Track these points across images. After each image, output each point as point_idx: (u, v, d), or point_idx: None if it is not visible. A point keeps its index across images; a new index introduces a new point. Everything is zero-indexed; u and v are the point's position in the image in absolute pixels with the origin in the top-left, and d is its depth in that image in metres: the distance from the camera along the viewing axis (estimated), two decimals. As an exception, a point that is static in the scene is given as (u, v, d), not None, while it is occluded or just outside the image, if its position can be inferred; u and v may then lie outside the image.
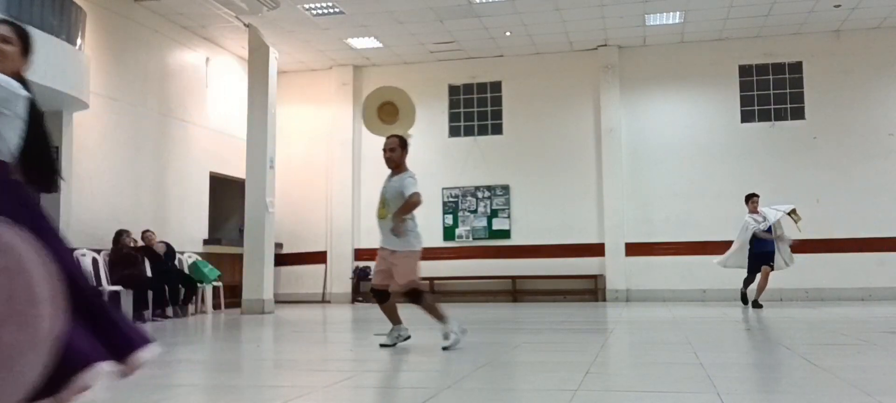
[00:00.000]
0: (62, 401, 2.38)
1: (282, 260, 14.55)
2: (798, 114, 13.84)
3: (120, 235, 10.52)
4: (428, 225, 14.85)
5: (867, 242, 13.20)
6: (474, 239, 14.76)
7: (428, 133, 15.16)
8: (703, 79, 14.19)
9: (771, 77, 13.98)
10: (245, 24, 12.33)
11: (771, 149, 13.75)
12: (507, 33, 13.53)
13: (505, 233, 14.66)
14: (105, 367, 2.52)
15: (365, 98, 7.16)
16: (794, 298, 12.88)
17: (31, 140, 2.76)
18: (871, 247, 13.17)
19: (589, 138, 14.49)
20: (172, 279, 10.97)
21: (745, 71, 14.04)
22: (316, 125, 15.43)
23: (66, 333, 2.32)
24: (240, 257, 12.45)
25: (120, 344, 2.65)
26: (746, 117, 14.01)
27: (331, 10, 12.30)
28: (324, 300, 15.15)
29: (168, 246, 11.36)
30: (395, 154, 6.35)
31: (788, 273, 11.30)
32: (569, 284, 14.23)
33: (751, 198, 11.32)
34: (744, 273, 11.23)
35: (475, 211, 14.82)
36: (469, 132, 15.04)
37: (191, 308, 11.47)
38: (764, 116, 13.96)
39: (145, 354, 2.76)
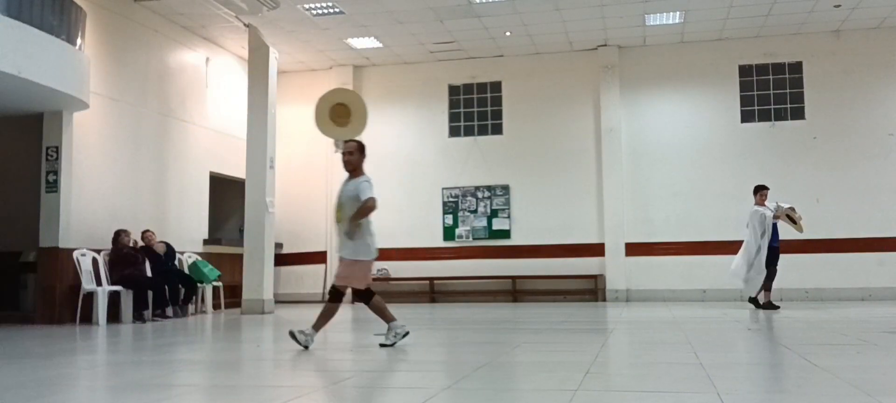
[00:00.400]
0: None
1: (282, 260, 14.55)
2: (798, 114, 13.84)
3: (119, 235, 10.52)
4: (428, 225, 15.05)
5: (867, 242, 13.20)
6: (474, 239, 14.76)
7: (428, 133, 15.19)
8: (703, 79, 14.19)
9: (771, 77, 13.97)
10: (245, 24, 12.33)
11: (771, 149, 13.75)
12: (507, 33, 13.53)
13: (505, 233, 14.66)
14: None
15: (318, 100, 7.05)
16: (794, 298, 12.87)
17: None
18: (871, 247, 13.17)
19: (589, 138, 14.49)
20: (172, 279, 10.97)
21: (745, 71, 14.04)
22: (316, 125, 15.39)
23: None
24: (240, 257, 12.45)
25: None
26: (746, 117, 14.01)
27: (331, 10, 12.30)
28: (324, 300, 15.12)
29: (168, 246, 11.36)
30: (353, 158, 6.39)
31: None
32: (569, 284, 14.23)
33: (761, 190, 11.10)
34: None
35: (475, 211, 14.82)
36: (469, 132, 15.04)
37: (191, 308, 11.48)
38: (764, 116, 13.96)
39: None
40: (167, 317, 10.65)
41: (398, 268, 14.87)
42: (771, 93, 13.95)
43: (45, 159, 10.15)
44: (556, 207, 14.43)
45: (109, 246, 10.58)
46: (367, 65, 15.28)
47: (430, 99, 15.15)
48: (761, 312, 10.40)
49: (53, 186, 10.10)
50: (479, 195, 14.81)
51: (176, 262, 11.55)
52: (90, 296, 10.04)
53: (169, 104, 12.50)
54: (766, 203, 11.03)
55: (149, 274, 10.76)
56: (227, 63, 14.25)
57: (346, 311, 12.62)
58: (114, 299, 10.24)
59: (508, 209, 14.69)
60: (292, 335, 6.21)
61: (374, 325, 9.40)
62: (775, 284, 10.95)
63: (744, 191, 13.48)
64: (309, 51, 14.31)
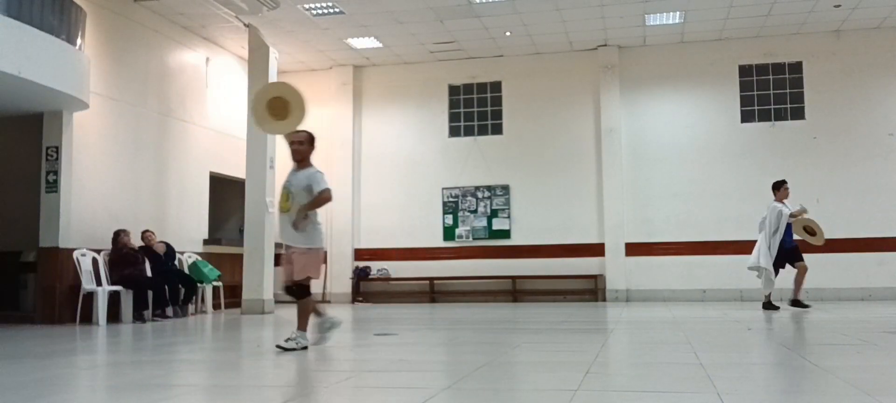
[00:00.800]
0: None
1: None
2: (798, 114, 13.84)
3: (118, 235, 10.52)
4: (428, 225, 15.05)
5: (867, 242, 13.20)
6: (474, 239, 14.76)
7: (428, 133, 15.19)
8: (703, 79, 14.19)
9: (771, 77, 13.98)
10: (245, 24, 12.33)
11: (771, 149, 13.75)
12: (507, 33, 13.53)
13: (505, 233, 14.66)
14: None
15: (253, 100, 6.89)
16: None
17: None
18: (871, 247, 13.17)
19: (589, 138, 14.49)
20: (172, 279, 10.97)
21: (745, 71, 14.04)
22: (316, 125, 15.17)
23: None
24: (240, 257, 12.45)
25: None
26: (746, 117, 14.01)
27: (331, 10, 12.30)
28: (324, 300, 15.13)
29: (168, 246, 11.36)
30: (303, 147, 6.36)
31: (789, 273, 11.24)
32: (569, 284, 14.22)
33: (782, 185, 10.79)
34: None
35: (475, 211, 14.82)
36: (469, 132, 15.04)
37: (191, 308, 11.48)
38: (764, 116, 13.96)
39: None
40: (167, 317, 10.65)
41: (398, 268, 14.88)
42: (771, 93, 13.95)
43: (45, 159, 10.15)
44: (556, 207, 14.43)
45: (109, 246, 10.58)
46: (367, 65, 15.29)
47: (430, 99, 15.15)
48: (772, 312, 10.20)
49: (53, 186, 10.10)
50: (479, 195, 14.81)
51: (176, 262, 11.55)
52: (90, 296, 10.04)
53: (169, 104, 12.49)
54: (786, 201, 10.75)
55: (149, 274, 10.76)
56: (227, 63, 14.25)
57: (346, 311, 12.61)
58: (114, 299, 10.24)
59: (508, 209, 14.69)
60: (283, 349, 6.04)
61: (375, 325, 9.40)
62: (776, 284, 10.92)
63: (744, 190, 13.53)
64: (309, 51, 14.31)
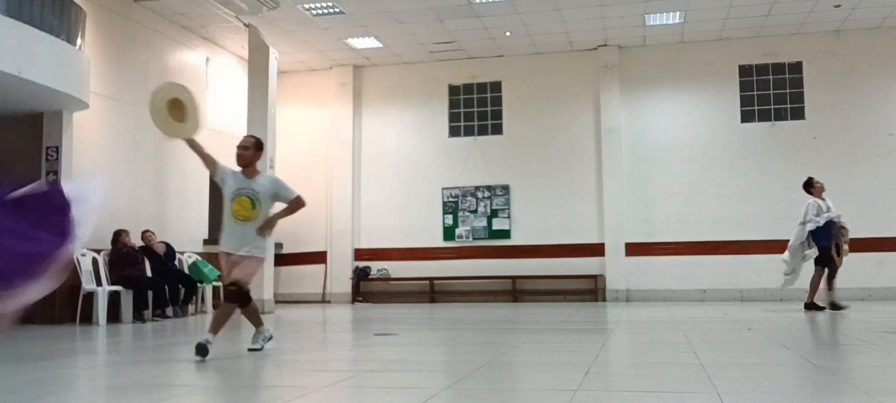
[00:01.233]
0: None
1: (282, 260, 14.53)
2: (798, 114, 13.84)
3: (118, 235, 10.52)
4: (428, 225, 15.05)
5: (867, 242, 13.17)
6: (474, 239, 14.76)
7: (428, 133, 15.18)
8: (703, 79, 14.19)
9: (771, 77, 13.97)
10: (245, 24, 12.33)
11: (771, 149, 13.75)
12: (507, 33, 13.53)
13: (505, 233, 14.65)
14: None
15: (152, 97, 6.69)
16: (794, 298, 12.85)
17: None
18: (871, 247, 13.14)
19: (589, 138, 14.49)
20: (172, 279, 10.97)
21: (745, 71, 14.04)
22: (316, 125, 15.43)
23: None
24: (240, 257, 12.42)
25: None
26: (746, 117, 14.00)
27: (331, 10, 12.30)
28: (324, 300, 15.15)
29: (168, 246, 11.36)
30: (248, 152, 6.39)
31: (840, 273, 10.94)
32: (569, 284, 14.22)
33: (815, 183, 10.62)
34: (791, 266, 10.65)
35: (475, 211, 14.81)
36: (469, 132, 15.04)
37: (191, 308, 11.47)
38: (764, 116, 13.96)
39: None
40: (167, 317, 10.65)
41: (398, 268, 14.88)
42: (771, 93, 13.95)
43: (45, 159, 10.15)
44: (556, 207, 14.43)
45: (109, 246, 10.58)
46: (367, 65, 15.28)
47: (430, 99, 15.15)
48: (818, 313, 10.00)
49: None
50: (479, 195, 14.81)
51: (176, 262, 11.55)
52: (90, 296, 10.03)
53: (169, 104, 12.47)
54: (824, 195, 10.54)
55: (149, 274, 10.76)
56: (227, 63, 14.24)
57: (346, 311, 12.61)
58: (114, 299, 10.24)
59: (508, 209, 14.68)
60: (254, 349, 6.07)
61: (375, 325, 9.40)
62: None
63: (744, 191, 13.54)
64: (309, 51, 14.31)
